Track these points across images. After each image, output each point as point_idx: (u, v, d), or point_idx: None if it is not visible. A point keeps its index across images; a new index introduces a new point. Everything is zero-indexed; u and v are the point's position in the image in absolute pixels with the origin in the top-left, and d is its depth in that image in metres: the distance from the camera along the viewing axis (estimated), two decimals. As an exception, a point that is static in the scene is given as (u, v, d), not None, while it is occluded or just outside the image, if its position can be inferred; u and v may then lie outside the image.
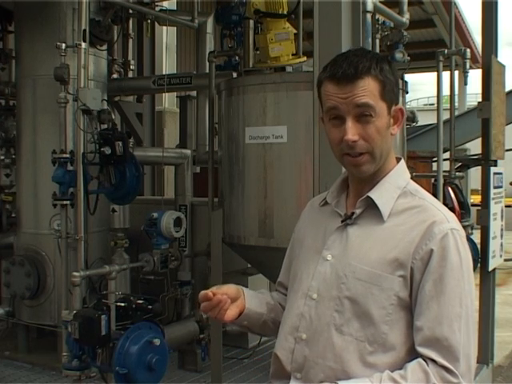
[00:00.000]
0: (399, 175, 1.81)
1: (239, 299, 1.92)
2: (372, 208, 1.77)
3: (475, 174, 8.14)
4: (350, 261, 1.74)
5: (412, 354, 1.66)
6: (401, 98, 4.34)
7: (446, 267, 1.64)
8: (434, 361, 1.60)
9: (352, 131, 1.69)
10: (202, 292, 1.80)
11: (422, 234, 1.68)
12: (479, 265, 5.16)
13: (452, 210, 5.44)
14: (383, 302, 1.68)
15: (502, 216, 5.39)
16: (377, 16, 3.96)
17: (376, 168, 1.76)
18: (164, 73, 6.34)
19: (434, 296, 1.63)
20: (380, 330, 1.68)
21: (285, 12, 4.70)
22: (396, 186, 1.78)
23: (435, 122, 5.58)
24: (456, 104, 7.98)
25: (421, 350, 1.63)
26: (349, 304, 1.71)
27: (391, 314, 1.67)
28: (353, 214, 1.79)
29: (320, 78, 1.79)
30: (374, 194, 1.77)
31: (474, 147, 8.68)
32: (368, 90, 1.69)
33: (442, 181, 5.32)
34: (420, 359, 1.62)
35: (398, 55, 4.32)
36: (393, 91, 1.76)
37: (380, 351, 1.68)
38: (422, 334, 1.64)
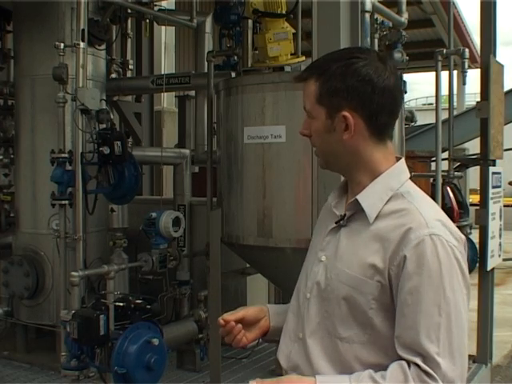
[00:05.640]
0: (392, 177, 1.77)
1: (262, 320, 1.94)
2: (362, 210, 1.75)
3: (474, 173, 8.14)
4: (337, 263, 1.74)
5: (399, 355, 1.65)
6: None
7: (423, 275, 1.59)
8: (416, 365, 1.57)
9: (303, 125, 1.81)
10: (218, 318, 1.88)
11: (399, 239, 1.64)
12: (478, 264, 5.17)
13: (451, 209, 5.45)
14: (363, 306, 1.67)
15: (500, 216, 5.40)
16: (375, 16, 3.97)
17: (327, 166, 1.84)
18: (162, 72, 6.31)
19: (411, 304, 1.59)
20: (364, 332, 1.68)
21: (283, 12, 4.70)
22: (388, 188, 1.74)
23: (434, 121, 5.59)
24: (455, 104, 7.99)
25: (403, 355, 1.60)
26: (334, 306, 1.72)
27: (372, 318, 1.66)
28: (345, 215, 1.79)
29: None
30: (362, 197, 1.75)
31: (473, 147, 8.69)
32: (307, 92, 1.78)
33: (440, 180, 5.32)
34: (402, 361, 1.60)
35: (397, 55, 4.32)
36: (338, 96, 1.70)
37: (365, 352, 1.68)
38: (401, 341, 1.61)
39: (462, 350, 1.61)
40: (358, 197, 1.75)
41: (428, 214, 1.68)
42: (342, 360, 1.70)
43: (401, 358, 1.61)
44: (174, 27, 8.60)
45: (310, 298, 1.79)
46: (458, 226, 1.76)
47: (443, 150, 5.54)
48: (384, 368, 1.62)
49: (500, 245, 5.40)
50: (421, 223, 1.64)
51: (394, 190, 1.74)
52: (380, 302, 1.65)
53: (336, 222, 1.80)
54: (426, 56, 12.08)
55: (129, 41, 7.23)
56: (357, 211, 1.76)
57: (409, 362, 1.58)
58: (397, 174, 1.79)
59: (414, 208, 1.69)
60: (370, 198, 1.74)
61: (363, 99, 1.70)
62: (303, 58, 4.80)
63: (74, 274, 4.35)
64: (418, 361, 1.56)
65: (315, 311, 1.77)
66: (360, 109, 1.71)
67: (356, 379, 1.60)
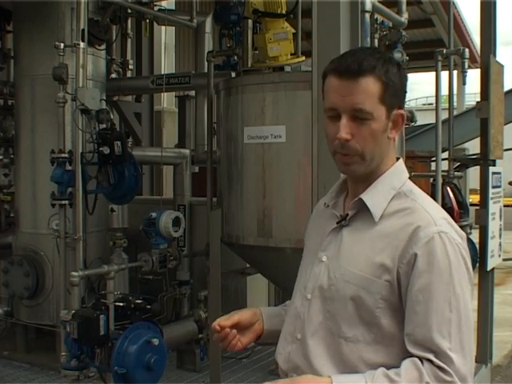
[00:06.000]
0: (395, 176, 1.78)
1: (256, 323, 1.93)
2: (365, 210, 1.75)
3: (474, 173, 8.14)
4: (341, 263, 1.74)
5: (405, 354, 1.64)
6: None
7: (433, 272, 1.61)
8: (429, 360, 1.58)
9: (345, 129, 1.68)
10: (213, 324, 1.85)
11: (408, 237, 1.65)
12: (478, 264, 5.16)
13: (451, 209, 5.45)
14: (370, 306, 1.67)
15: (500, 216, 5.39)
16: (375, 16, 3.96)
17: (366, 170, 1.74)
18: (162, 72, 6.31)
19: (422, 302, 1.60)
20: (370, 331, 1.67)
21: (283, 12, 4.71)
22: (390, 187, 1.75)
23: (434, 121, 5.59)
24: (455, 104, 7.99)
25: (415, 352, 1.60)
26: (339, 306, 1.71)
27: (379, 317, 1.66)
28: (347, 215, 1.78)
29: (325, 70, 1.76)
30: (366, 196, 1.75)
31: (473, 147, 8.69)
32: (368, 91, 1.66)
33: (440, 180, 5.32)
34: (414, 358, 1.60)
35: (397, 55, 4.32)
36: (396, 95, 1.72)
37: (371, 351, 1.67)
38: (412, 339, 1.61)
39: (471, 346, 1.63)
40: (363, 196, 1.75)
41: (434, 212, 1.71)
42: (345, 360, 1.69)
43: (407, 356, 1.61)
44: (174, 27, 8.60)
45: (312, 299, 1.78)
46: (458, 226, 1.77)
47: (443, 150, 5.53)
48: (388, 368, 1.62)
49: (500, 245, 5.39)
50: (429, 221, 1.66)
51: (396, 189, 1.75)
52: (388, 302, 1.66)
53: (337, 222, 1.80)
54: (426, 56, 12.08)
55: (129, 41, 7.23)
56: (359, 210, 1.76)
57: (421, 359, 1.59)
58: (398, 174, 1.80)
59: (420, 206, 1.71)
60: (375, 197, 1.74)
61: (404, 98, 1.78)
62: (303, 57, 4.80)
63: (74, 274, 4.35)
64: (431, 356, 1.57)
65: (316, 312, 1.76)
66: (403, 107, 1.77)
67: (371, 378, 1.59)
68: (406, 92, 1.78)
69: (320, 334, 1.74)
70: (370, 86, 1.66)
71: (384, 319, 1.66)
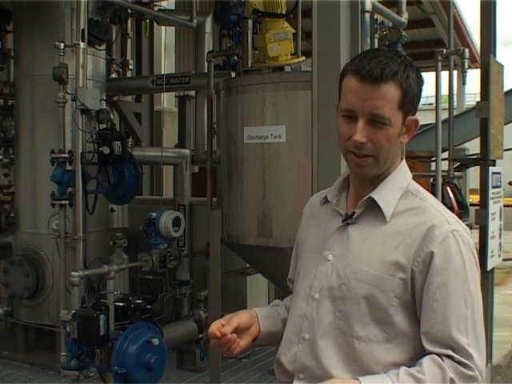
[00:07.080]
0: (401, 175, 1.80)
1: (253, 325, 1.91)
2: (373, 208, 1.75)
3: (474, 173, 8.14)
4: (351, 261, 1.73)
5: (416, 351, 1.66)
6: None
7: (449, 270, 1.63)
8: (448, 357, 1.60)
9: (361, 133, 1.68)
10: (212, 329, 1.79)
11: (422, 236, 1.67)
12: (478, 264, 5.15)
13: (451, 209, 5.43)
14: (384, 304, 1.67)
15: (500, 216, 5.39)
16: (375, 16, 3.96)
17: (377, 172, 1.76)
18: (162, 72, 6.31)
19: (439, 299, 1.62)
20: (382, 330, 1.68)
21: (283, 12, 4.71)
22: (398, 187, 1.77)
23: (434, 121, 5.59)
24: (454, 104, 7.99)
25: (433, 349, 1.62)
26: (350, 305, 1.71)
27: (392, 315, 1.67)
28: (353, 213, 1.78)
29: (345, 69, 1.75)
30: (376, 195, 1.76)
31: (473, 147, 8.68)
32: (388, 97, 1.66)
33: (440, 180, 5.32)
34: (433, 355, 1.61)
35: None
36: (412, 102, 1.72)
37: (382, 350, 1.68)
38: (430, 336, 1.63)
39: (484, 341, 1.66)
40: (373, 195, 1.76)
41: (444, 211, 1.75)
42: (357, 359, 1.69)
43: (423, 354, 1.62)
44: (174, 27, 8.60)
45: (320, 299, 1.77)
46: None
47: (443, 150, 5.53)
48: (398, 366, 1.63)
49: (500, 245, 5.39)
50: (442, 220, 1.69)
51: (403, 189, 1.78)
52: (401, 300, 1.67)
53: (343, 221, 1.80)
54: (426, 56, 12.05)
55: (129, 41, 7.24)
56: (366, 209, 1.77)
57: (440, 356, 1.60)
58: (403, 173, 1.82)
59: (430, 206, 1.74)
60: (385, 196, 1.76)
61: (418, 104, 1.78)
62: (303, 58, 4.80)
63: (74, 274, 4.35)
64: (450, 352, 1.59)
65: (326, 311, 1.75)
66: (416, 113, 1.77)
67: (396, 378, 1.60)
68: (420, 97, 1.78)
69: (330, 334, 1.73)
70: (390, 93, 1.67)
71: (397, 317, 1.67)
